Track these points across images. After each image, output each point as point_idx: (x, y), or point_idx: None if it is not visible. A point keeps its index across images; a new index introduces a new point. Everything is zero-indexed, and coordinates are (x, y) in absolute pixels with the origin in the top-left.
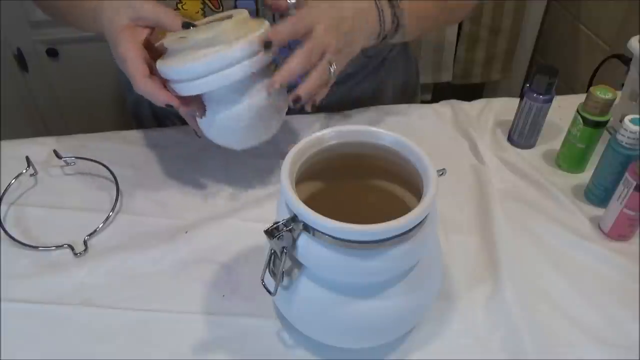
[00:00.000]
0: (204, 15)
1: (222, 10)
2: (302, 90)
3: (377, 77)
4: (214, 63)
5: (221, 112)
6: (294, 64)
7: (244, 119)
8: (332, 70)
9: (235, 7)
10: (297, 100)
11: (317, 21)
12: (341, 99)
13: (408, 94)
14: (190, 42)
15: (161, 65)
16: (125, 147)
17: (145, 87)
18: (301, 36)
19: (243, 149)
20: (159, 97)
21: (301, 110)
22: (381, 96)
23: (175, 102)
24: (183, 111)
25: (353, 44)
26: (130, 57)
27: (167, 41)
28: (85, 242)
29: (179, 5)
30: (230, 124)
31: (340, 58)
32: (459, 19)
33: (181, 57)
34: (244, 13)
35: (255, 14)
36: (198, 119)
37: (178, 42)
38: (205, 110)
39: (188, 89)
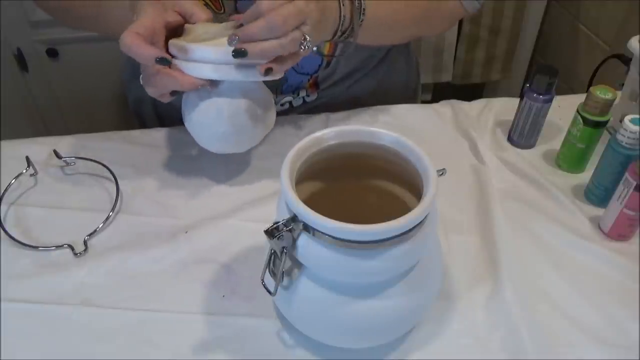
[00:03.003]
0: None
1: (224, 12)
2: (255, 47)
3: (377, 77)
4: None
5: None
6: (259, 27)
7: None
8: (305, 45)
9: (236, 8)
10: (240, 53)
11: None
12: (341, 98)
13: (408, 94)
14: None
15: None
16: (125, 147)
17: (129, 40)
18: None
19: (220, 151)
20: (141, 51)
21: (299, 110)
22: (381, 96)
23: (165, 55)
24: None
25: (324, 31)
26: (143, 18)
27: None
28: (85, 242)
29: None
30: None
31: (316, 37)
32: (441, 28)
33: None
34: None
35: None
36: (187, 108)
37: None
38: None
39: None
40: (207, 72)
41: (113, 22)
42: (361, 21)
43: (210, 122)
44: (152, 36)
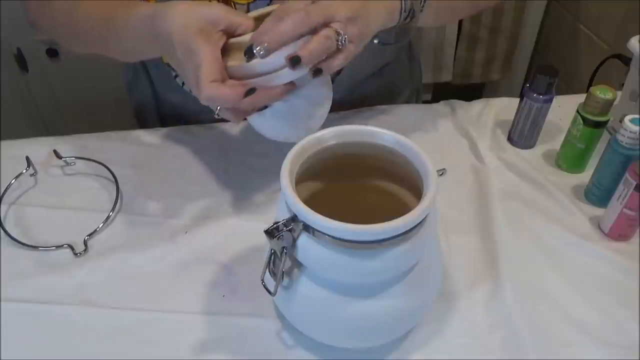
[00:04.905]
0: None
1: None
2: (302, 51)
3: (381, 78)
4: None
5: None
6: (284, 25)
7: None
8: (340, 40)
9: (249, 10)
10: (295, 61)
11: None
12: (343, 99)
13: (410, 94)
14: None
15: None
16: (125, 147)
17: (211, 91)
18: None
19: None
20: (229, 96)
21: None
22: (383, 96)
23: (250, 85)
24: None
25: (369, 23)
26: (208, 61)
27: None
28: (85, 242)
29: None
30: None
31: (353, 31)
32: (482, 8)
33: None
34: None
35: None
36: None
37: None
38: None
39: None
40: (293, 74)
41: (128, 36)
42: (422, 6)
43: (295, 121)
44: (222, 72)
